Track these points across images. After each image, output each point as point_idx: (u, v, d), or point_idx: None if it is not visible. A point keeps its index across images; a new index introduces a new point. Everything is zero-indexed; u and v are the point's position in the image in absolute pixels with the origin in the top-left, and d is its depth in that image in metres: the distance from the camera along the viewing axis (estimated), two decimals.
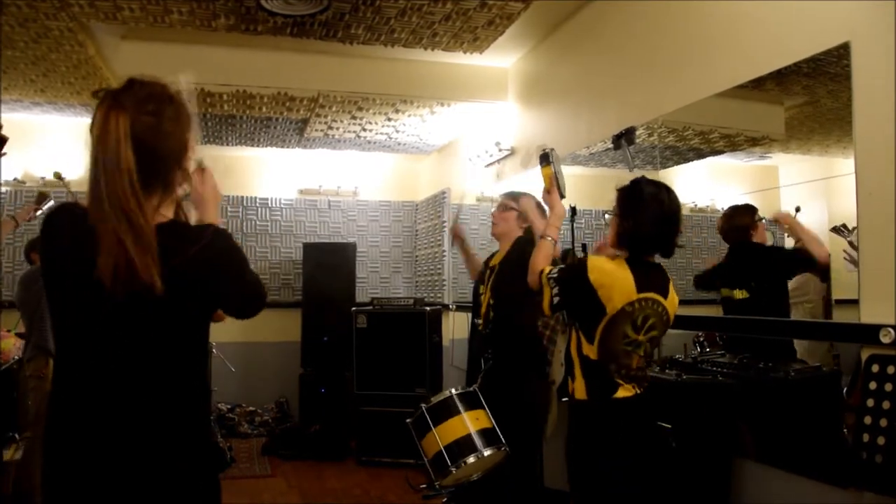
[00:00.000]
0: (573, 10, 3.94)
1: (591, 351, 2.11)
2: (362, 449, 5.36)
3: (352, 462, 5.39)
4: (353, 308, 5.64)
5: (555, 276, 2.17)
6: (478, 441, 2.67)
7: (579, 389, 2.14)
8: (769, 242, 2.83)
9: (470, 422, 2.71)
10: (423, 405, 2.82)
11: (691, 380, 2.79)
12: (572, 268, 2.18)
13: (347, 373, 5.61)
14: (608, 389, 2.10)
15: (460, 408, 2.75)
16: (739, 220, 2.85)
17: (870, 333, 2.05)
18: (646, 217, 2.13)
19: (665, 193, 2.16)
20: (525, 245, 3.13)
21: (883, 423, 1.96)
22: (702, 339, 3.10)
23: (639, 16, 3.37)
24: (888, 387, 1.96)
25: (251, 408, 6.39)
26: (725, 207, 2.97)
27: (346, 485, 4.84)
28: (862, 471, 2.00)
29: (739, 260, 2.92)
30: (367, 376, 5.43)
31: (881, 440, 1.95)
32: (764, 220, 2.78)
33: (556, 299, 2.15)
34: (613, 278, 2.08)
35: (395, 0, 3.58)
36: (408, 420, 2.85)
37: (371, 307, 5.61)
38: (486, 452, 2.65)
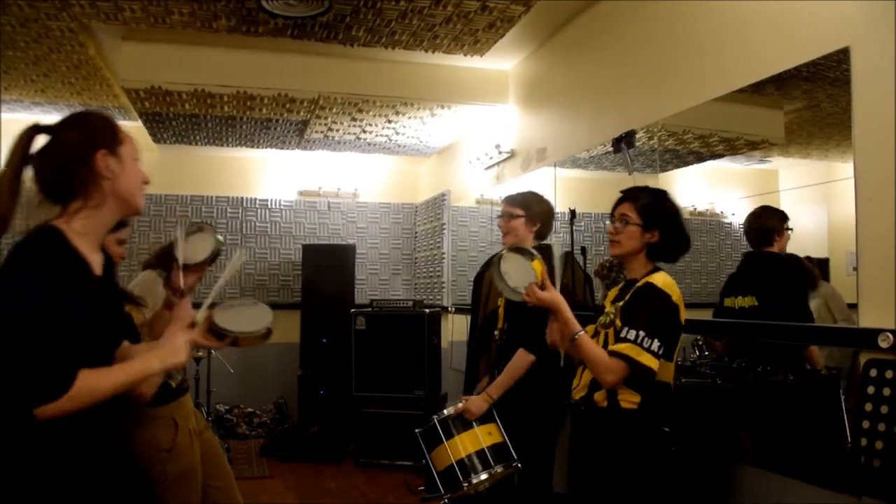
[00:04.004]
0: (574, 13, 3.95)
1: (667, 372, 2.11)
2: (361, 451, 5.35)
3: (350, 464, 5.38)
4: (352, 310, 5.64)
5: (651, 337, 2.00)
6: (491, 457, 2.63)
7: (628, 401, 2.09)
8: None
9: (482, 436, 2.66)
10: (435, 417, 2.74)
11: (690, 383, 2.79)
12: (662, 309, 2.06)
13: (346, 374, 5.60)
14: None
15: (473, 422, 2.70)
16: (767, 220, 2.74)
17: (868, 338, 2.05)
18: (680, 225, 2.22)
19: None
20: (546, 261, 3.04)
21: (881, 427, 1.96)
22: (700, 342, 3.10)
23: (639, 20, 3.38)
24: (886, 391, 1.96)
25: (249, 409, 6.38)
26: (754, 208, 2.84)
27: (343, 486, 4.83)
28: (860, 475, 2.00)
29: (751, 268, 2.85)
30: (366, 378, 5.43)
31: (879, 445, 1.95)
32: (790, 231, 2.69)
33: (660, 350, 2.02)
34: (678, 292, 2.12)
35: (395, 2, 3.58)
36: (417, 430, 2.79)
37: (370, 309, 5.60)
38: (499, 469, 2.61)
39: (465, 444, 2.64)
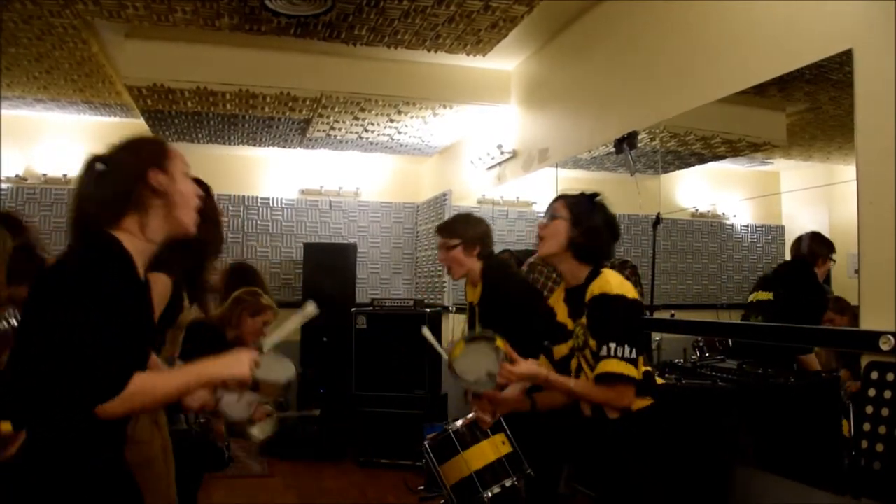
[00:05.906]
0: (577, 14, 3.95)
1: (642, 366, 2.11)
2: (360, 450, 5.35)
3: (350, 463, 5.39)
4: (353, 309, 5.64)
5: (621, 345, 2.00)
6: (508, 467, 2.60)
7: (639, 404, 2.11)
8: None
9: (498, 446, 2.63)
10: (449, 428, 2.69)
11: (690, 384, 2.79)
12: (625, 314, 2.05)
13: (346, 373, 5.61)
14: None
15: (488, 431, 2.64)
16: (817, 247, 2.73)
17: (869, 340, 2.04)
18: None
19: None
20: (496, 277, 2.99)
21: (882, 430, 1.96)
22: (701, 343, 3.10)
23: (642, 21, 3.38)
24: (887, 394, 1.96)
25: None
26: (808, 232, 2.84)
27: (343, 485, 4.84)
28: (860, 478, 2.00)
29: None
30: (366, 377, 5.43)
31: (879, 447, 1.95)
32: (833, 262, 2.68)
33: (633, 354, 2.01)
34: (629, 285, 2.10)
35: (398, 2, 3.58)
36: (426, 442, 2.72)
37: (371, 308, 5.60)
38: (514, 479, 2.60)
39: (483, 453, 2.60)
